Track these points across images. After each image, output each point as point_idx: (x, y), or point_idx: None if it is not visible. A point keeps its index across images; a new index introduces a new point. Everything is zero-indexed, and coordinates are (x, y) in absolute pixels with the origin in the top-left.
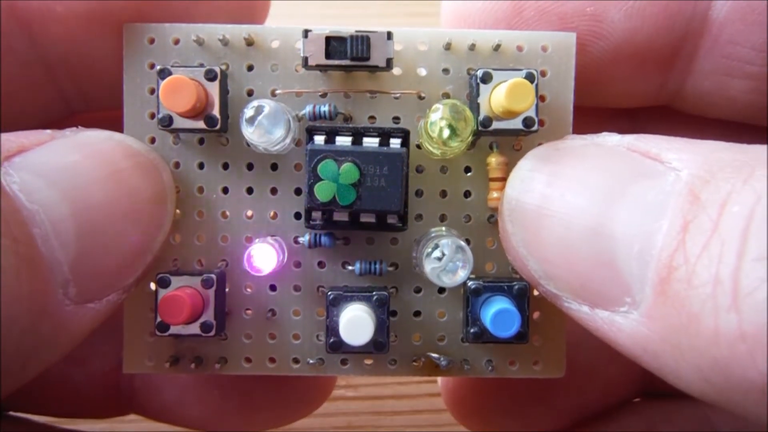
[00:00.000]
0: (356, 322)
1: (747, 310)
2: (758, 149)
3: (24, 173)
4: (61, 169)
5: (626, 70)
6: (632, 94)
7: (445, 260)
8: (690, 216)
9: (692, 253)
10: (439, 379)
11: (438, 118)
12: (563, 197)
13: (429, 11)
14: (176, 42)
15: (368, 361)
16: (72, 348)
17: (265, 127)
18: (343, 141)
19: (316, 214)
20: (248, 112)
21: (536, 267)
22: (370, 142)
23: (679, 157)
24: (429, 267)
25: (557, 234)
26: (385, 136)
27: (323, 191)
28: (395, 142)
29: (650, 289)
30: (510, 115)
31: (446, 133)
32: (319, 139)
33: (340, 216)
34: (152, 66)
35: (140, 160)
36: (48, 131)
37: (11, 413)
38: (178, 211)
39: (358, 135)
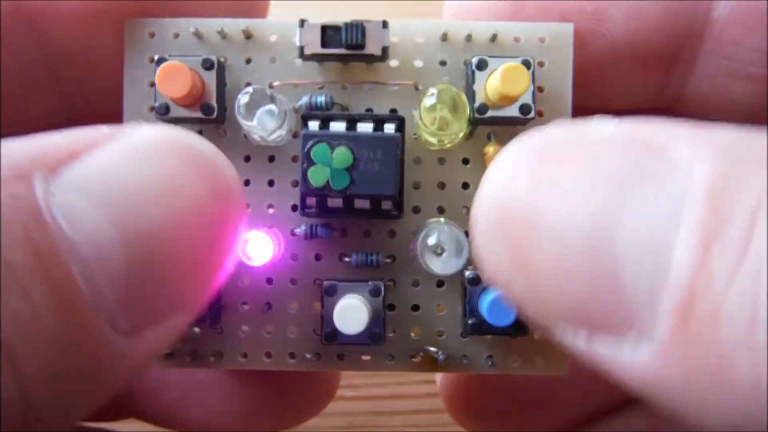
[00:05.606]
0: (350, 310)
1: None
2: None
3: (69, 191)
4: (111, 185)
5: (627, 71)
6: (633, 94)
7: (446, 253)
8: (711, 227)
9: (719, 277)
10: (438, 379)
11: (432, 103)
12: (551, 204)
13: (431, 11)
14: (176, 36)
15: (365, 357)
16: (134, 376)
17: (260, 116)
18: (338, 127)
19: (311, 201)
20: (243, 98)
21: (522, 287)
22: (365, 128)
23: (689, 150)
24: (428, 256)
25: (545, 249)
26: (379, 122)
27: (316, 175)
28: (389, 127)
29: (666, 322)
30: (506, 101)
31: (441, 116)
32: (314, 125)
33: (334, 202)
34: (152, 60)
35: (208, 170)
36: (105, 129)
37: None
38: None
39: (352, 121)
